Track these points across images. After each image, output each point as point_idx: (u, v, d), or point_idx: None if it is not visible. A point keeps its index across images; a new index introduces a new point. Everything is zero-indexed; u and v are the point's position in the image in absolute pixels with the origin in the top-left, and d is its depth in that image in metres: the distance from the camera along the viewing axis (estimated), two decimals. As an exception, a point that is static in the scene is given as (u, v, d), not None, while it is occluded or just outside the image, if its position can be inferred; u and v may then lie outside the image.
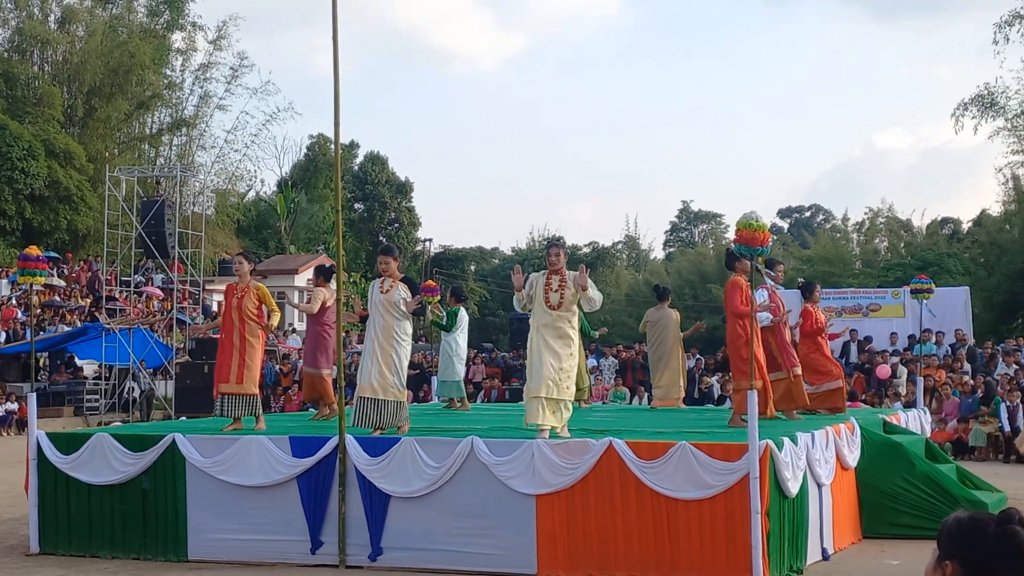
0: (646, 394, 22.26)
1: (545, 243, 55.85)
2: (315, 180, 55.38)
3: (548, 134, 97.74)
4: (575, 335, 9.55)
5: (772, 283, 12.25)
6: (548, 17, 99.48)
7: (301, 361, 25.72)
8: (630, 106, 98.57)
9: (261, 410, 10.96)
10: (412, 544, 9.19)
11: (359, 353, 25.76)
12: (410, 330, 10.26)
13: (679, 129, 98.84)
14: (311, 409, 13.33)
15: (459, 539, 9.06)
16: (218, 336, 11.45)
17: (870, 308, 26.33)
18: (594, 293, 9.48)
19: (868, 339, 24.07)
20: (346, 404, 10.09)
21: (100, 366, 26.56)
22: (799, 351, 12.46)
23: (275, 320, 11.01)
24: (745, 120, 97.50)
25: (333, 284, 12.52)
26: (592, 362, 23.65)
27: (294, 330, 33.95)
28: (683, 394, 15.52)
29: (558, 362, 9.32)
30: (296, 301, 39.89)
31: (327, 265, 13.35)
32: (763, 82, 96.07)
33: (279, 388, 25.54)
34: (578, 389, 14.95)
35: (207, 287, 33.50)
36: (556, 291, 9.47)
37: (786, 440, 8.82)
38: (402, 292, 10.08)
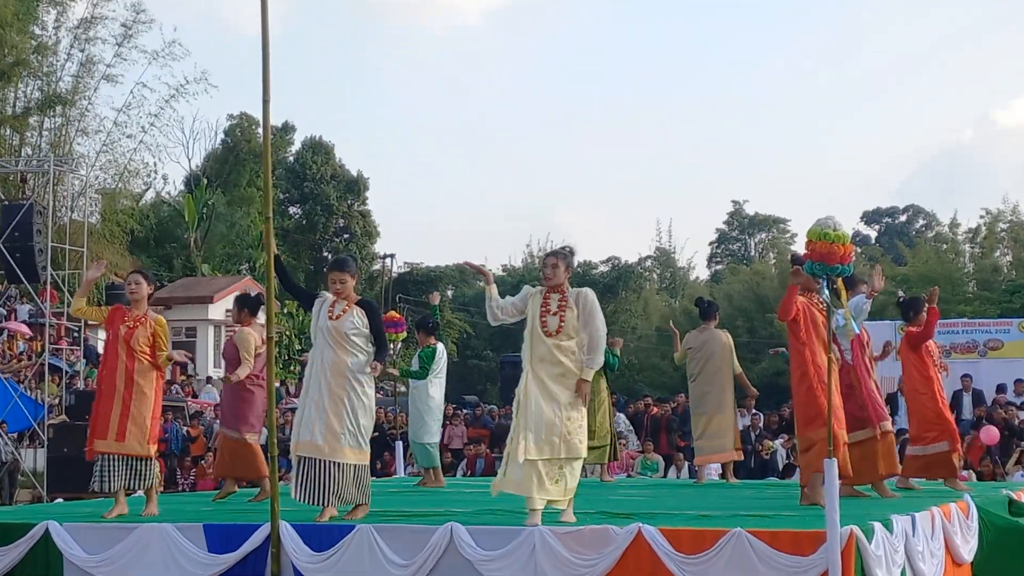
0: (685, 464, 22.25)
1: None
2: (236, 176, 55.52)
3: (552, 114, 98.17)
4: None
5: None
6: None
7: (218, 422, 25.84)
8: (662, 78, 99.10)
9: (156, 481, 10.95)
10: (371, 670, 9.16)
11: (294, 410, 25.85)
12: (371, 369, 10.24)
13: (728, 107, 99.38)
14: (222, 484, 13.30)
15: (435, 663, 9.04)
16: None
17: (989, 345, 26.37)
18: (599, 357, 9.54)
19: (1001, 387, 24.02)
20: (281, 480, 10.08)
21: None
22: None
23: (161, 358, 10.98)
24: (815, 95, 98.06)
25: (262, 318, 12.51)
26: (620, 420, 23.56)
27: (209, 380, 33.94)
28: (739, 446, 15.48)
29: (562, 411, 9.32)
30: (212, 338, 39.96)
31: (252, 294, 13.36)
32: (837, 45, 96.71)
33: (187, 458, 25.48)
34: (595, 448, 15.02)
35: (91, 322, 33.43)
36: (555, 314, 9.49)
37: (877, 526, 8.81)
38: (357, 319, 10.09)
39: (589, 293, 9.62)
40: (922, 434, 12.75)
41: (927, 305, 12.87)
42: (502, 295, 9.98)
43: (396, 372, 15.72)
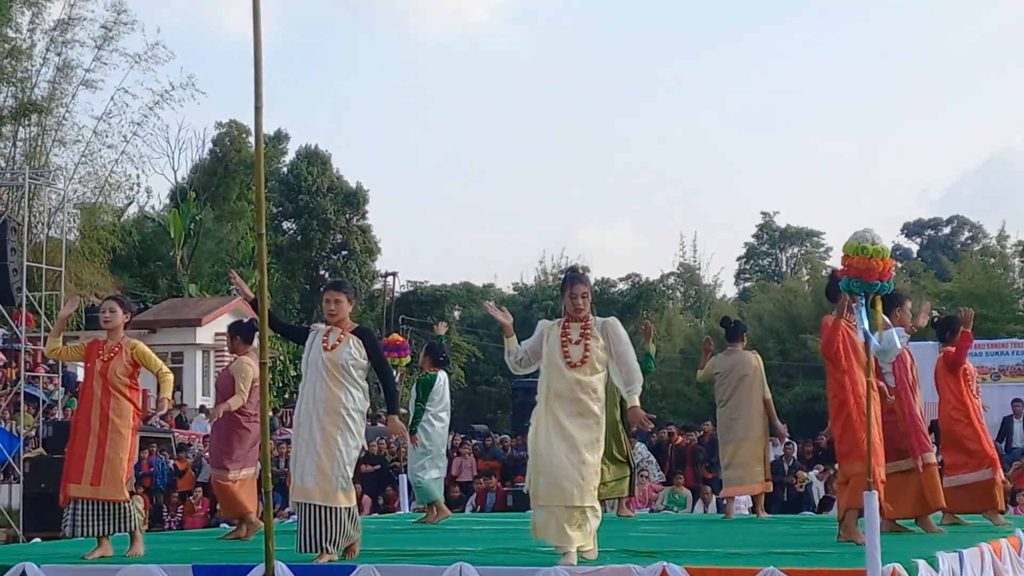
0: (713, 497, 22.23)
1: (562, 277, 54.67)
2: (225, 189, 55.61)
3: (566, 121, 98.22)
4: (602, 411, 9.52)
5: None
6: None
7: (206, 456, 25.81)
8: (687, 78, 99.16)
9: (139, 520, 10.95)
10: None
11: (289, 441, 25.86)
12: (365, 405, 10.24)
13: (757, 111, 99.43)
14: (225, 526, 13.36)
15: None
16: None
17: (1042, 368, 26.32)
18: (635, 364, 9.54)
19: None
20: (276, 516, 10.07)
21: (-88, 464, 26.51)
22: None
23: (167, 390, 11.00)
24: (851, 98, 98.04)
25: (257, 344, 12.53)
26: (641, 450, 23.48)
27: (202, 410, 33.96)
28: (769, 476, 15.48)
29: (576, 453, 9.29)
30: (200, 365, 40.00)
31: (245, 320, 13.33)
32: (876, 47, 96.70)
33: (174, 493, 25.50)
34: (612, 481, 14.97)
35: (69, 362, 33.46)
36: (578, 343, 9.46)
37: (922, 564, 8.79)
38: (354, 350, 10.07)
39: (616, 323, 9.60)
40: (960, 462, 12.73)
41: (961, 328, 12.86)
42: (513, 316, 9.97)
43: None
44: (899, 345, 11.56)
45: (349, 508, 10.00)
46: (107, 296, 12.42)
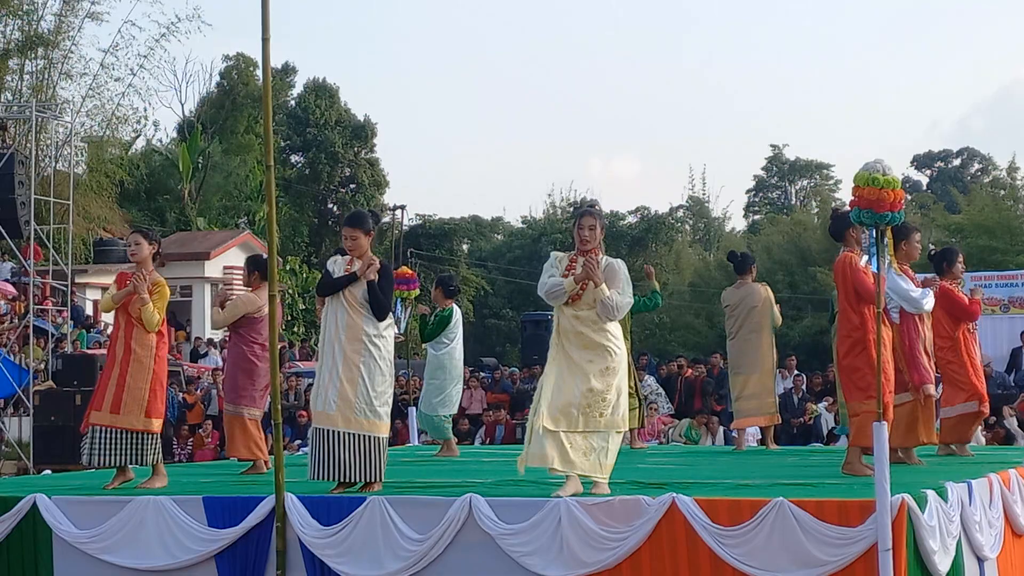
0: (720, 429, 22.28)
1: (572, 210, 55.63)
2: (233, 122, 55.41)
3: (575, 51, 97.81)
4: (617, 344, 9.52)
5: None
6: None
7: (216, 389, 25.90)
8: (696, 12, 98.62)
9: (159, 456, 10.99)
10: (384, 653, 9.22)
11: (299, 374, 25.91)
12: (391, 330, 10.26)
13: (766, 41, 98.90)
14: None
15: (453, 645, 9.09)
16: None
17: (1051, 300, 26.29)
18: (616, 297, 9.42)
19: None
20: (285, 449, 10.09)
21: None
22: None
23: (148, 315, 10.80)
24: (861, 28, 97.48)
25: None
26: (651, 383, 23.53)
27: (211, 344, 34.02)
28: (776, 410, 15.51)
29: (584, 382, 9.31)
30: (209, 298, 39.99)
31: (264, 256, 13.32)
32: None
33: (184, 426, 25.59)
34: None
35: (78, 279, 33.54)
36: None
37: (931, 495, 8.81)
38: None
39: (616, 266, 9.53)
40: (947, 394, 12.76)
41: (972, 297, 12.86)
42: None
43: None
44: (927, 307, 11.62)
45: (372, 437, 9.99)
46: (132, 229, 12.45)
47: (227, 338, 12.99)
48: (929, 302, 11.68)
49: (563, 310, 9.43)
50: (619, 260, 9.65)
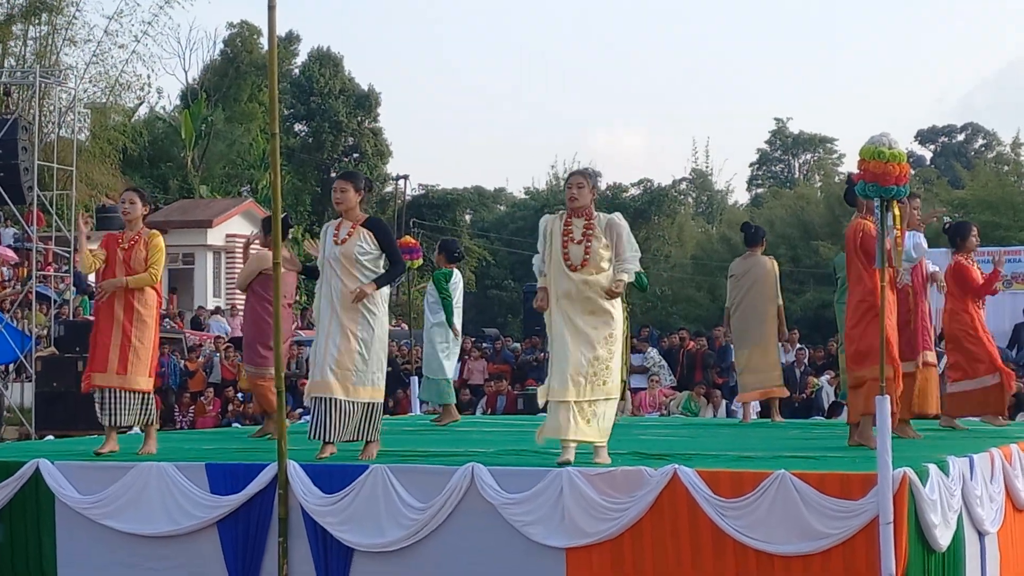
0: (723, 402, 22.29)
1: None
2: (236, 90, 55.38)
3: (580, 22, 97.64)
4: (618, 310, 9.54)
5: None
6: None
7: (218, 355, 25.93)
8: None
9: (155, 417, 11.02)
10: (385, 620, 9.24)
11: (300, 343, 25.90)
12: (384, 294, 10.29)
13: (770, 15, 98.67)
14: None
15: (454, 613, 9.11)
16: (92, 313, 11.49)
17: (1054, 276, 26.29)
18: (631, 265, 9.47)
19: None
20: (288, 417, 10.12)
21: (-75, 363, 26.62)
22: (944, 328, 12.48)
23: (144, 280, 10.78)
24: (866, 3, 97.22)
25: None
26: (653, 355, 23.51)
27: (217, 311, 34.02)
28: (783, 382, 15.51)
29: (590, 349, 9.33)
30: (211, 266, 40.01)
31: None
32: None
33: (185, 394, 25.61)
34: None
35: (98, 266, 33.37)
36: (579, 243, 9.43)
37: (933, 468, 8.82)
38: (365, 242, 10.06)
39: (617, 220, 9.54)
40: (963, 368, 12.72)
41: (995, 269, 12.87)
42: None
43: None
44: (922, 246, 11.58)
45: (368, 404, 10.05)
46: (127, 187, 12.37)
47: (246, 304, 12.99)
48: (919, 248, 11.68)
49: (570, 275, 9.39)
50: (617, 214, 9.66)
